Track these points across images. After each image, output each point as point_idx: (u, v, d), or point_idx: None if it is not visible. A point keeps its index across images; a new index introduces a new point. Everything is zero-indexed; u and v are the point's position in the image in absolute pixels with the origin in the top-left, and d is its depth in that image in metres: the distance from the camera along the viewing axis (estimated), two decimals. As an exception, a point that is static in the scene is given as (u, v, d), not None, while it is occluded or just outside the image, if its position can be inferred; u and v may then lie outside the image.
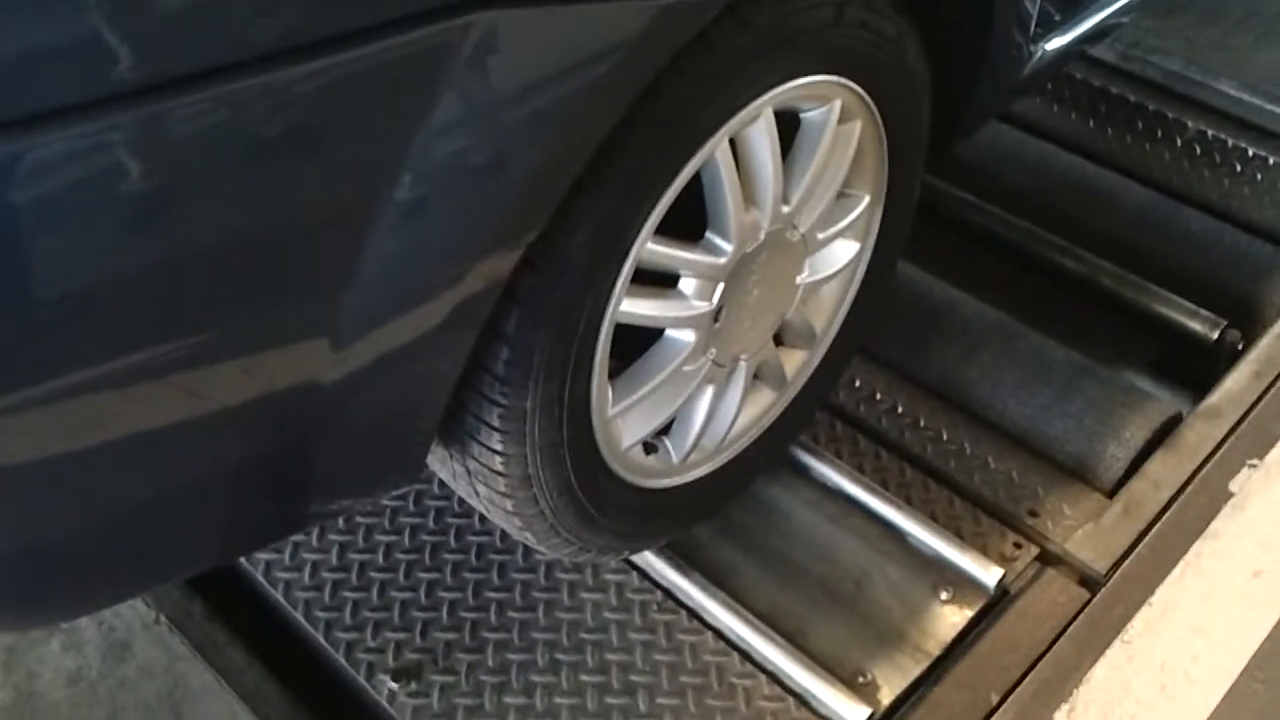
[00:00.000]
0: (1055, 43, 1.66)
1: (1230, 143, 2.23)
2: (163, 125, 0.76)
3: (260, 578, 1.49)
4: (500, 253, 0.99)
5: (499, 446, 1.20)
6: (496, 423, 1.18)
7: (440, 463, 1.30)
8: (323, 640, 1.45)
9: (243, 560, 1.49)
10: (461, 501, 1.58)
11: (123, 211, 0.77)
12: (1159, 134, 2.29)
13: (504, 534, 1.56)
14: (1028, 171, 2.25)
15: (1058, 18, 1.67)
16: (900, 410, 1.79)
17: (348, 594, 1.47)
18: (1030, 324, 1.91)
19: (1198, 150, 2.26)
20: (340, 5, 0.80)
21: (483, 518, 1.56)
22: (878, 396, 1.81)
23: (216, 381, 0.89)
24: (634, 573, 1.56)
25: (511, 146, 0.92)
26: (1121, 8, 1.81)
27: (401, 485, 1.17)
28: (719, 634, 1.51)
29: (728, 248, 1.28)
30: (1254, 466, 1.65)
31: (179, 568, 1.12)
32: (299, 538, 1.51)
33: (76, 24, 0.71)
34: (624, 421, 1.33)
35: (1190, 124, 2.27)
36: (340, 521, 1.51)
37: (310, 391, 0.96)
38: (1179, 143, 2.27)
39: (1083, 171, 2.25)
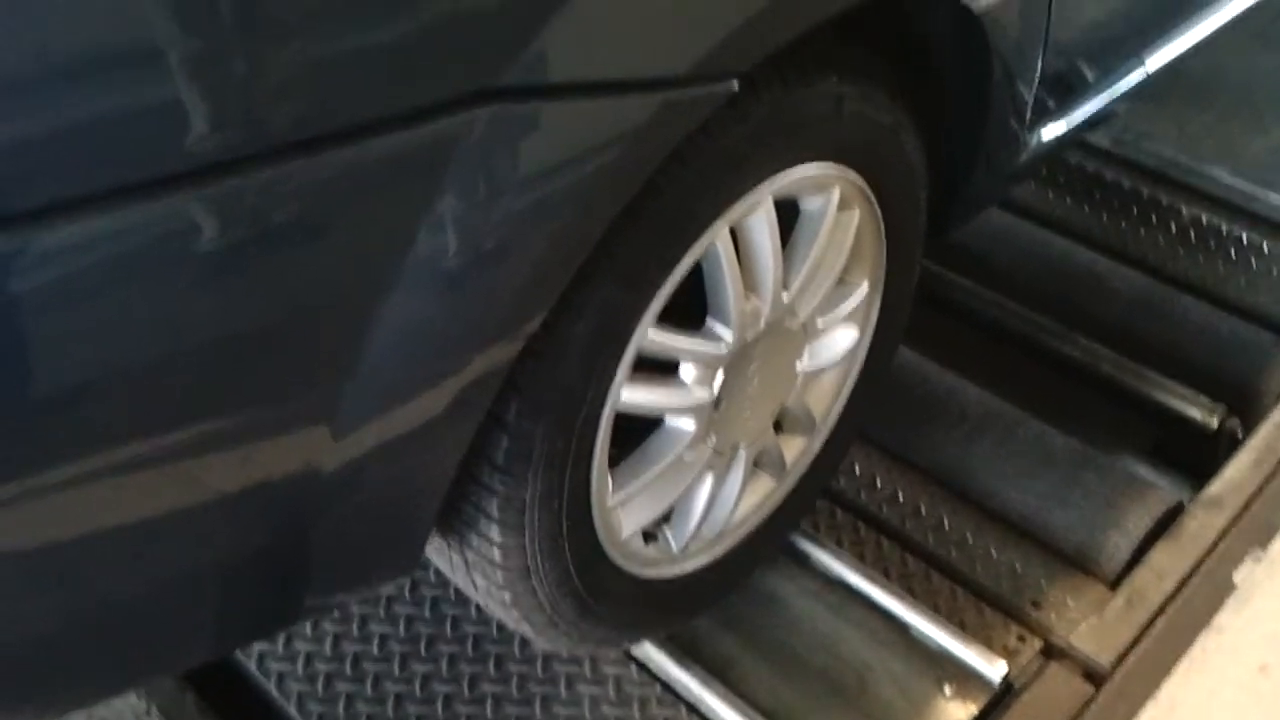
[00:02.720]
0: (1051, 131, 1.68)
1: (1225, 229, 2.25)
2: (169, 219, 0.76)
3: (254, 669, 1.45)
4: (502, 342, 0.98)
5: (498, 537, 1.18)
6: (495, 513, 1.16)
7: (438, 553, 1.28)
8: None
9: (236, 651, 1.46)
10: (458, 591, 1.55)
11: (126, 304, 0.77)
12: (1153, 220, 2.31)
13: (501, 625, 1.53)
14: (1023, 256, 2.26)
15: (1053, 106, 1.69)
16: (900, 498, 1.78)
17: (341, 686, 1.43)
18: (1029, 410, 1.90)
19: (1192, 236, 2.27)
20: (347, 100, 0.81)
21: (479, 608, 1.53)
22: (878, 483, 1.79)
23: (214, 471, 0.88)
24: (633, 665, 1.53)
25: (514, 238, 0.92)
26: (1121, 95, 1.83)
27: (400, 576, 1.15)
28: (719, 729, 1.48)
29: (728, 336, 1.27)
30: (1257, 558, 1.63)
31: (172, 662, 1.09)
32: (292, 630, 1.48)
33: (77, 118, 0.71)
34: (624, 511, 1.31)
35: (1184, 210, 2.29)
36: (335, 611, 1.48)
37: (309, 480, 0.94)
38: (1173, 228, 2.29)
39: (1078, 256, 2.26)
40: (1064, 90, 1.70)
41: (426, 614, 1.52)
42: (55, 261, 0.73)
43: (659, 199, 1.10)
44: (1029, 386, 2.01)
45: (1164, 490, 1.77)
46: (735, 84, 1.02)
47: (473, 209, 0.89)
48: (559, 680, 1.50)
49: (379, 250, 0.86)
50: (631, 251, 1.09)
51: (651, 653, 1.53)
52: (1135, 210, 2.33)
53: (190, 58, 0.73)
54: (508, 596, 1.25)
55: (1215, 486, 1.76)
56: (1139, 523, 1.71)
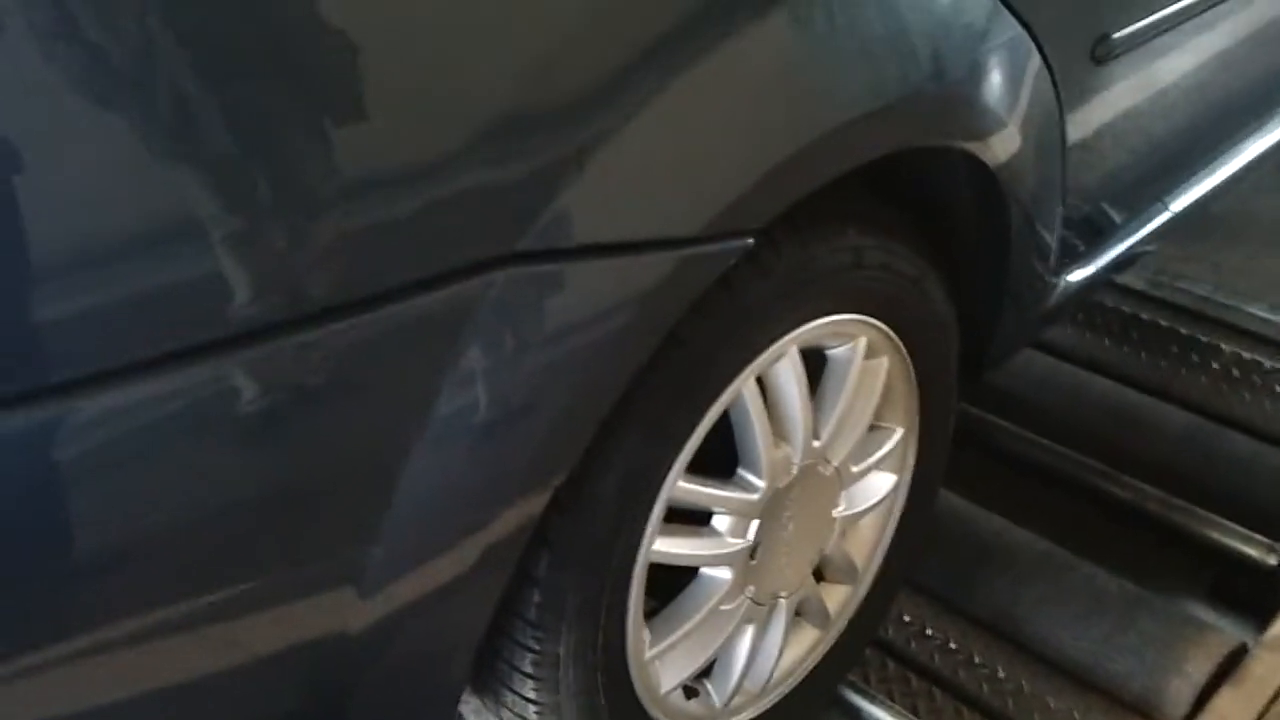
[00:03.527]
0: (1079, 273, 1.70)
1: (1267, 365, 2.23)
2: (201, 387, 0.80)
3: None
4: (527, 497, 1.00)
5: (532, 694, 1.18)
6: (529, 669, 1.16)
7: (475, 714, 1.27)
8: None
9: None
10: None
11: (154, 472, 0.80)
12: (1194, 358, 2.30)
13: None
14: (1065, 398, 2.25)
15: (1080, 249, 1.71)
16: (953, 646, 1.74)
17: None
18: (1079, 553, 1.87)
19: (1235, 373, 2.25)
20: (375, 268, 0.85)
21: None
22: (928, 632, 1.76)
23: (239, 635, 0.90)
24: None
25: (535, 393, 0.95)
26: (1147, 236, 1.85)
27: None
28: None
29: (760, 484, 1.28)
30: (1328, 699, 1.57)
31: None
32: None
33: (101, 291, 0.74)
34: (662, 664, 1.30)
35: (1225, 347, 2.28)
36: None
37: (336, 642, 0.95)
38: (1215, 366, 2.28)
39: (1121, 397, 2.25)
40: (1088, 234, 1.73)
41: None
42: (85, 433, 0.76)
43: (682, 353, 1.12)
44: (1078, 529, 1.98)
45: (1225, 632, 1.72)
46: (751, 241, 1.05)
47: (495, 367, 0.92)
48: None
49: (404, 410, 0.89)
50: (657, 405, 1.12)
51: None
52: (1175, 348, 2.33)
53: (230, 232, 0.78)
54: (544, 759, 1.23)
55: (1278, 628, 1.71)
56: (1200, 667, 1.65)
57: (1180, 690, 1.64)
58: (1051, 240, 1.57)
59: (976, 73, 1.25)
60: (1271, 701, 1.58)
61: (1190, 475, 2.07)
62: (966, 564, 1.85)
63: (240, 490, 0.84)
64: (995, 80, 1.26)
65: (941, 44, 1.19)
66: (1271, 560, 1.87)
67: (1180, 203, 1.88)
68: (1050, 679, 1.69)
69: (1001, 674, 1.69)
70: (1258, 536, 1.91)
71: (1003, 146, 1.31)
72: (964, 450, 2.10)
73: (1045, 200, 1.50)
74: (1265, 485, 2.05)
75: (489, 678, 1.19)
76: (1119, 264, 1.81)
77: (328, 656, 0.97)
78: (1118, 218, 1.81)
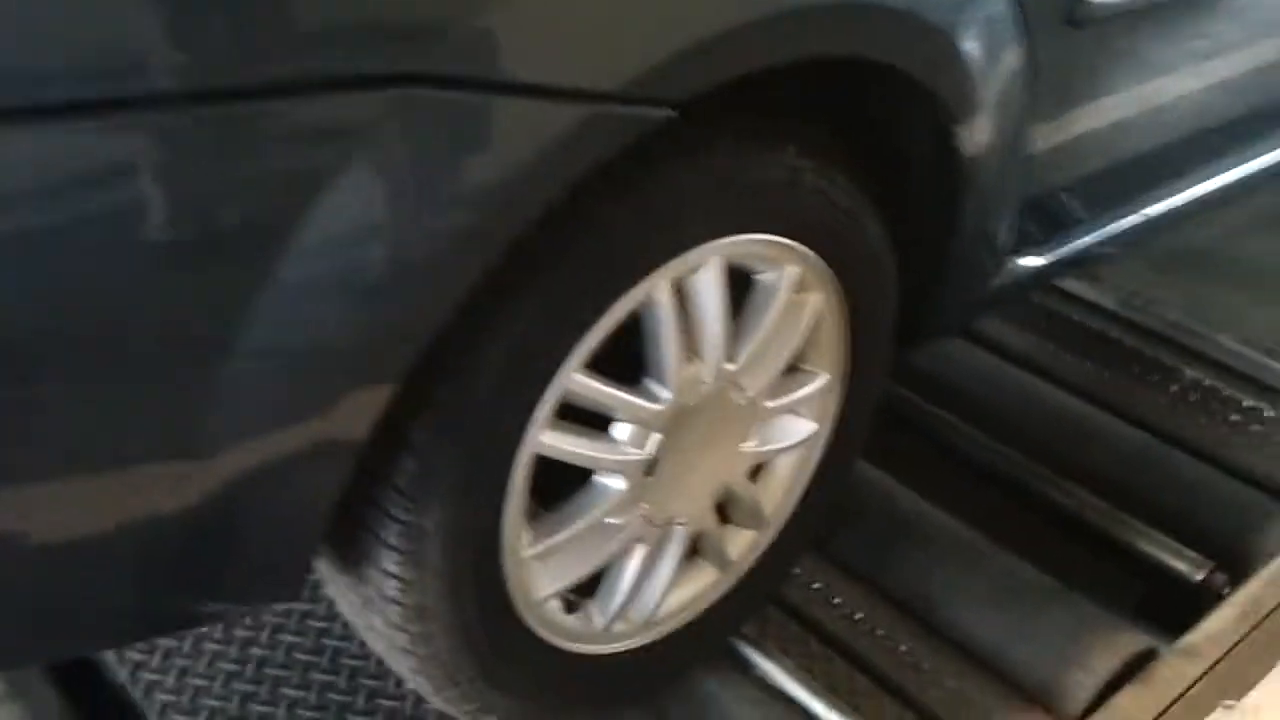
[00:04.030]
0: (1032, 260, 1.67)
1: (1226, 393, 2.20)
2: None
3: (125, 676, 1.41)
4: (391, 352, 0.95)
5: (395, 569, 1.14)
6: (395, 541, 1.12)
7: (338, 591, 1.23)
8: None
9: (112, 656, 1.42)
10: (345, 625, 1.49)
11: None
12: (1154, 379, 2.27)
13: (379, 660, 1.45)
14: (1018, 402, 2.20)
15: (1038, 234, 1.68)
16: (858, 616, 1.70)
17: (208, 702, 1.38)
18: (1005, 547, 1.83)
19: (1192, 397, 2.22)
20: (272, 55, 0.81)
21: (362, 644, 1.46)
22: (835, 600, 1.72)
23: (76, 483, 0.87)
24: (548, 751, 1.45)
25: (414, 233, 0.90)
26: (1112, 236, 1.82)
27: (279, 601, 1.10)
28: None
29: (664, 395, 1.24)
30: (1229, 708, 1.52)
31: (38, 650, 1.05)
32: (171, 643, 1.44)
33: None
34: (542, 567, 1.26)
35: (1187, 371, 2.25)
36: (219, 631, 1.43)
37: (177, 495, 0.92)
38: (1174, 388, 2.24)
39: (1074, 408, 2.21)
40: (1049, 220, 1.69)
41: (309, 643, 1.46)
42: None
43: (594, 236, 1.10)
44: (1009, 528, 1.93)
45: (1137, 635, 1.68)
46: (668, 113, 1.01)
47: (379, 195, 0.88)
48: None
49: (265, 226, 0.85)
50: (557, 282, 1.08)
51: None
52: (1137, 369, 2.29)
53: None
54: (404, 639, 1.19)
55: (1193, 636, 1.66)
56: (1106, 663, 1.61)
57: (1081, 684, 1.59)
58: (1005, 214, 1.54)
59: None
60: (1173, 703, 1.54)
61: (1134, 491, 2.02)
62: (885, 539, 1.81)
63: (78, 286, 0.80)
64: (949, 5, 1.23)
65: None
66: (1199, 575, 1.83)
67: (1154, 209, 1.84)
68: (952, 659, 1.64)
69: (903, 648, 1.65)
70: (1190, 553, 1.87)
71: (954, 82, 1.28)
72: (903, 435, 2.08)
73: (1002, 164, 1.46)
74: (1206, 507, 2.01)
75: (353, 552, 1.15)
76: (1077, 260, 1.78)
77: (166, 512, 0.93)
78: (1083, 210, 1.77)
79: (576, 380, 1.16)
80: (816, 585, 1.74)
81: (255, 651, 1.44)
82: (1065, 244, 1.74)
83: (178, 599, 1.03)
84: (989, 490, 2.03)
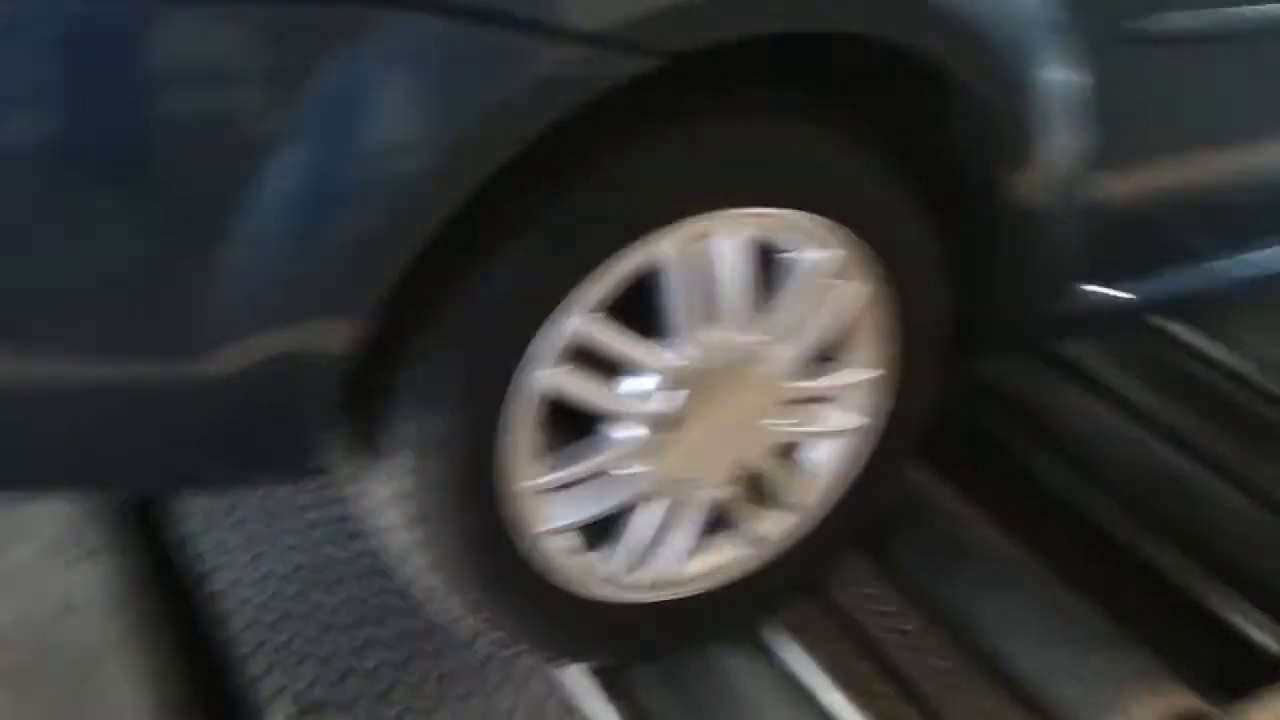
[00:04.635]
0: (1112, 292, 1.61)
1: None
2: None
3: (214, 580, 1.60)
4: (382, 256, 1.05)
5: (396, 470, 1.25)
6: (399, 447, 1.23)
7: (359, 491, 1.35)
8: (246, 656, 1.52)
9: (206, 560, 1.61)
10: None
11: None
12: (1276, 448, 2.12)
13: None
14: (1126, 454, 2.10)
15: (1121, 266, 1.62)
16: (904, 629, 1.68)
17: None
18: (1079, 593, 1.76)
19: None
20: None
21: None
22: (883, 608, 1.71)
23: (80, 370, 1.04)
24: (563, 691, 1.52)
25: (400, 140, 1.01)
26: (1207, 281, 1.72)
27: (282, 482, 1.23)
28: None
29: (677, 355, 1.30)
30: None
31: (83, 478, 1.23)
32: (264, 547, 1.63)
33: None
34: (543, 502, 1.33)
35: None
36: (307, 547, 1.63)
37: (186, 388, 1.05)
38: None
39: (1184, 469, 2.08)
40: (1134, 253, 1.63)
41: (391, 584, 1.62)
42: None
43: (593, 187, 1.17)
44: (1086, 573, 1.85)
45: (1188, 694, 1.59)
46: (655, 63, 1.07)
47: (364, 98, 0.98)
48: (487, 681, 1.52)
49: (265, 120, 0.96)
50: (555, 228, 1.17)
51: (583, 680, 1.52)
52: (1260, 437, 2.15)
53: None
54: (406, 540, 1.30)
55: (1250, 704, 1.56)
56: (1148, 717, 1.53)
57: (1119, 731, 1.53)
58: (1065, 235, 1.49)
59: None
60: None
61: (1227, 555, 1.90)
62: (947, 557, 1.78)
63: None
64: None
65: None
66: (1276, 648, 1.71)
67: (1260, 255, 1.73)
68: (989, 683, 1.60)
69: (940, 664, 1.63)
70: (1275, 625, 1.75)
71: (999, 85, 1.29)
72: (991, 467, 2.03)
73: (1058, 182, 1.43)
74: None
75: (366, 448, 1.27)
76: (1171, 301, 1.70)
77: (180, 402, 1.08)
78: (1175, 248, 1.69)
79: (589, 327, 1.24)
80: (868, 591, 1.74)
81: (342, 591, 1.62)
82: (1152, 281, 1.68)
83: (195, 459, 1.18)
84: (1069, 532, 1.95)
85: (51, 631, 1.54)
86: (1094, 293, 1.57)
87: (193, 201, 0.99)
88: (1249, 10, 1.47)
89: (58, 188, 0.96)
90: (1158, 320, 2.29)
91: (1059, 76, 1.33)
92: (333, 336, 1.08)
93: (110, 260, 1.00)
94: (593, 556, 1.42)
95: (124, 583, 1.60)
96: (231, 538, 1.66)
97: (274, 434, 1.15)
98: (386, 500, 1.27)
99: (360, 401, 1.22)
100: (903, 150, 1.36)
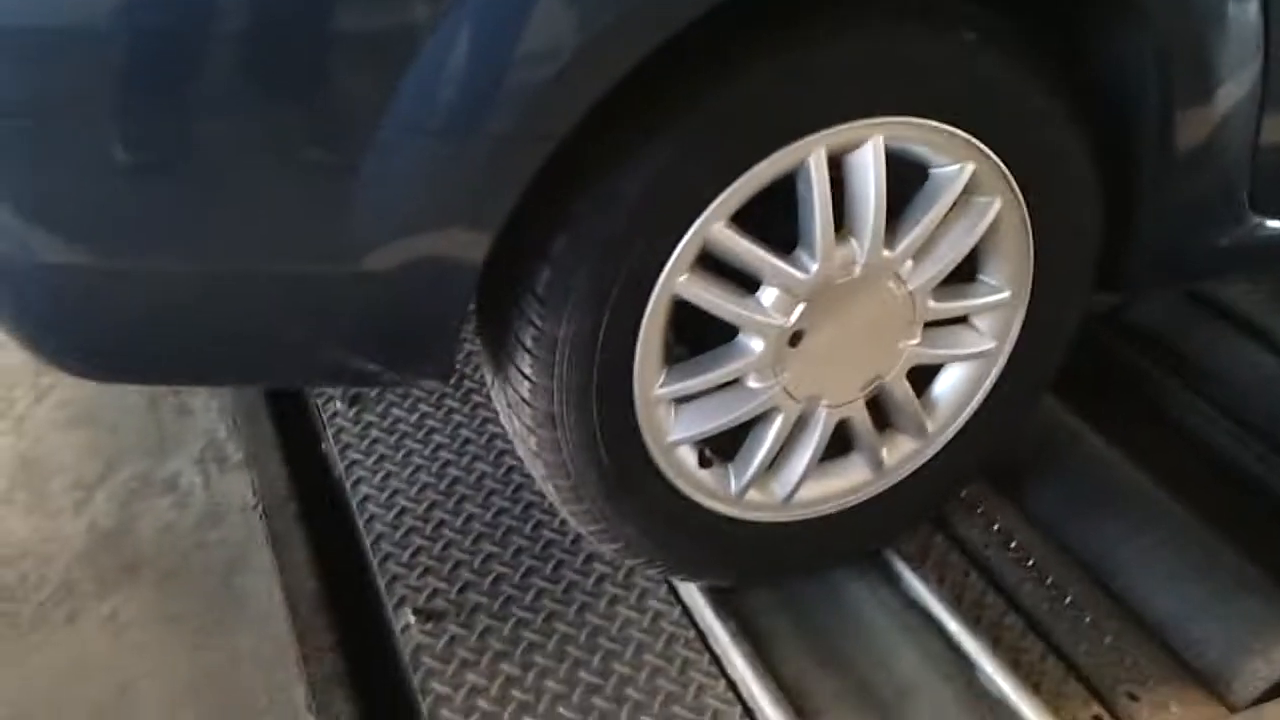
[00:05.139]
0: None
1: None
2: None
3: (350, 493, 1.66)
4: (518, 152, 1.07)
5: (529, 373, 1.26)
6: (530, 345, 1.24)
7: (494, 393, 1.37)
8: (376, 564, 1.56)
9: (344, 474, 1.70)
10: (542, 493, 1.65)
11: None
12: None
13: (572, 533, 1.59)
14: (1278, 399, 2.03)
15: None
16: (1031, 564, 1.65)
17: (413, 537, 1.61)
18: (1222, 538, 1.70)
19: None
20: None
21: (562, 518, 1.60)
22: (1012, 544, 1.68)
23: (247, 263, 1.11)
24: (678, 608, 1.53)
25: (542, 42, 1.02)
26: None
27: (427, 377, 1.26)
28: (732, 685, 1.44)
29: (811, 266, 1.29)
30: None
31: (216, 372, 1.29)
32: (395, 467, 1.69)
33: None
34: (672, 410, 1.34)
35: None
36: (434, 465, 1.71)
37: (341, 279, 1.11)
38: None
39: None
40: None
41: (510, 503, 1.67)
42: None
43: (739, 91, 1.16)
44: (1234, 522, 1.79)
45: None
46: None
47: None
48: (602, 596, 1.54)
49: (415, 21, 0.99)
50: (698, 130, 1.16)
51: (697, 599, 1.53)
52: None
53: None
54: (534, 442, 1.32)
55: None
56: (1288, 660, 1.48)
57: (1258, 673, 1.47)
58: (1234, 155, 1.43)
59: None
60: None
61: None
62: (1083, 496, 1.74)
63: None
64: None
65: None
66: None
67: None
68: (1119, 620, 1.57)
69: (1069, 600, 1.59)
70: None
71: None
72: (1143, 416, 1.97)
73: (1228, 101, 1.37)
74: None
75: (499, 351, 1.29)
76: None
77: (333, 292, 1.13)
78: None
79: (723, 235, 1.24)
80: (997, 527, 1.70)
81: (467, 507, 1.67)
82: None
83: (344, 354, 1.21)
84: (1216, 478, 1.88)
85: (199, 536, 1.62)
86: (1270, 225, 1.50)
87: (347, 109, 1.03)
88: None
89: (235, 102, 1.01)
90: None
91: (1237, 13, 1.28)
92: (475, 239, 1.11)
93: (286, 168, 1.06)
94: (719, 471, 1.42)
95: (267, 492, 1.67)
96: (365, 456, 1.72)
97: (420, 331, 1.19)
98: (520, 402, 1.29)
99: (500, 303, 1.23)
100: (1064, 74, 1.32)
